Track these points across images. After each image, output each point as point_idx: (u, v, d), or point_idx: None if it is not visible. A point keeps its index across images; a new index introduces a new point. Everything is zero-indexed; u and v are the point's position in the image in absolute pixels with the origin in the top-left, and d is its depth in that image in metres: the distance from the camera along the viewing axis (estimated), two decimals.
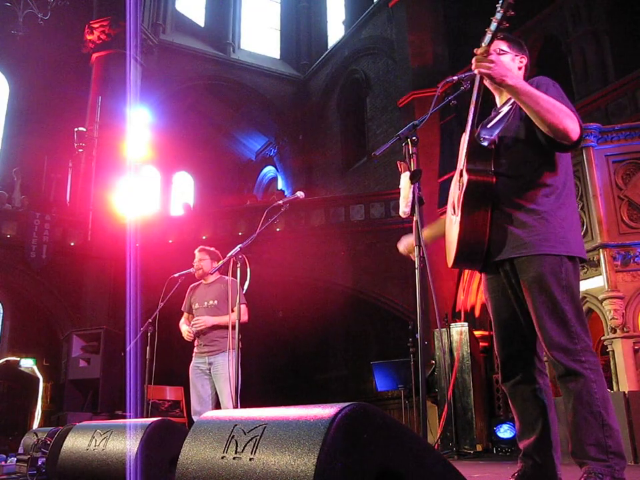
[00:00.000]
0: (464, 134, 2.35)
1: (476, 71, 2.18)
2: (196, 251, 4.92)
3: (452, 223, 2.37)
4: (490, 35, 2.12)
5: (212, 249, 4.92)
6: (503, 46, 2.38)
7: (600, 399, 2.08)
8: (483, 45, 2.14)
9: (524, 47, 2.48)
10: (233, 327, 4.05)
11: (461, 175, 2.28)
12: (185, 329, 4.72)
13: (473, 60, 2.16)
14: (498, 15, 2.07)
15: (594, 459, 2.03)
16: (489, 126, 2.39)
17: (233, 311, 4.25)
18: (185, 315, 4.89)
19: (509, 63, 2.38)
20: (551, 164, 2.25)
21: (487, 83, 2.30)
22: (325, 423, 1.35)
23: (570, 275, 2.19)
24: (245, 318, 4.56)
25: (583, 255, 2.26)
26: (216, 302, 4.68)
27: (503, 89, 2.28)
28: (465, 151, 2.28)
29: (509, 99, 2.37)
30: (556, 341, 2.12)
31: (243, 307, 4.52)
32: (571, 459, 2.17)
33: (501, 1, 2.04)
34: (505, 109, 2.37)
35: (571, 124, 2.10)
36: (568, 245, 2.20)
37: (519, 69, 2.43)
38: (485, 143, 2.27)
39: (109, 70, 13.38)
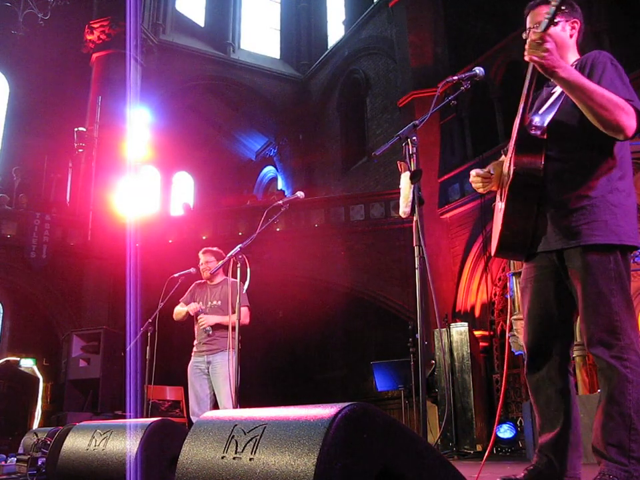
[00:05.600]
0: (516, 118, 2.19)
1: (527, 58, 2.01)
2: (200, 254, 4.86)
3: (498, 211, 2.25)
4: (547, 20, 1.93)
5: (215, 249, 4.89)
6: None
7: (633, 401, 1.94)
8: (539, 29, 1.96)
9: (575, 8, 2.28)
10: (233, 328, 4.05)
11: (510, 164, 2.15)
12: (192, 306, 4.66)
13: (526, 45, 1.99)
14: None
15: (613, 460, 1.92)
16: (541, 110, 2.22)
17: (234, 312, 4.25)
18: (182, 304, 4.83)
19: (560, 34, 2.22)
20: (605, 149, 2.10)
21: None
22: (325, 423, 1.35)
23: (620, 265, 2.04)
24: (246, 320, 4.56)
25: (636, 243, 2.09)
26: (219, 303, 4.68)
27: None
28: (513, 139, 2.15)
29: None
30: (597, 335, 2.00)
31: (245, 309, 4.51)
32: (592, 459, 2.08)
33: None
34: (559, 89, 2.19)
35: (626, 120, 1.95)
36: (618, 233, 2.04)
37: (571, 36, 2.27)
38: (538, 132, 2.12)
39: (109, 70, 13.36)
